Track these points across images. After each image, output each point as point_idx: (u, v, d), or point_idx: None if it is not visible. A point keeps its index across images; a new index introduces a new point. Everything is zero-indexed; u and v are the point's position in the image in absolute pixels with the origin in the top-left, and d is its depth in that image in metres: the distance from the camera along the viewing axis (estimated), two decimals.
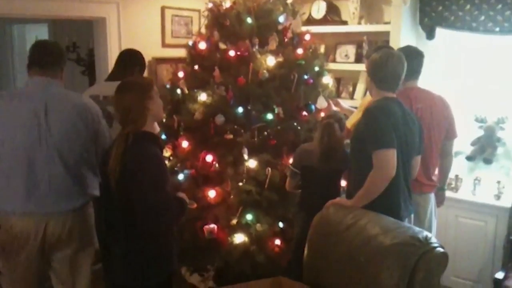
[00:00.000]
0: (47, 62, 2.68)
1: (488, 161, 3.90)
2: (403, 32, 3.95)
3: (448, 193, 3.66)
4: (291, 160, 3.33)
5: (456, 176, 3.96)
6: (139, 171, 2.27)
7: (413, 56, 3.17)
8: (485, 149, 3.92)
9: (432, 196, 3.32)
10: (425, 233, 2.35)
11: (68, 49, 5.29)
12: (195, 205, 3.31)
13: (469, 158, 3.97)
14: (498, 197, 3.78)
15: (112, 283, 2.53)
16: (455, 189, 3.96)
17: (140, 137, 2.34)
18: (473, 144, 3.99)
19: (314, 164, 3.04)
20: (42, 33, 5.96)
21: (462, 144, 3.87)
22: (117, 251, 2.44)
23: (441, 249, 2.28)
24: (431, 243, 2.28)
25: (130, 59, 3.62)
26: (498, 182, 3.80)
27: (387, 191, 2.60)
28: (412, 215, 2.93)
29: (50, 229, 2.63)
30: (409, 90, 3.17)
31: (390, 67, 2.71)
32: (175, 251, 2.56)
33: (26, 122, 2.56)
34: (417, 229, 2.42)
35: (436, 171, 3.34)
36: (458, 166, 3.92)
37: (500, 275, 3.28)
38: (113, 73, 3.61)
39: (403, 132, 2.69)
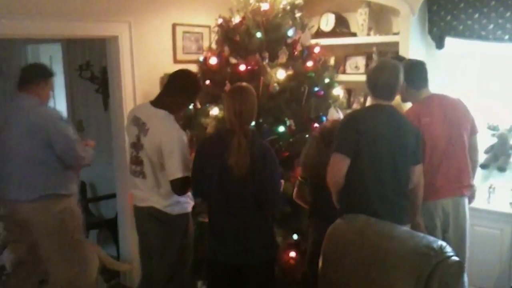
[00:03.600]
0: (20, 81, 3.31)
1: (502, 169, 3.88)
2: (412, 42, 3.96)
3: None
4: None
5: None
6: (266, 160, 2.69)
7: (416, 67, 3.28)
8: (498, 157, 3.90)
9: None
10: (440, 242, 2.35)
11: (81, 67, 5.38)
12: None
13: (483, 166, 3.95)
14: None
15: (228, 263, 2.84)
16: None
17: (254, 133, 2.81)
18: (486, 152, 3.97)
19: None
20: (55, 52, 6.05)
21: None
22: (245, 231, 2.77)
23: (455, 258, 2.27)
24: (445, 252, 2.28)
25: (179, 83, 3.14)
26: None
27: (354, 198, 2.76)
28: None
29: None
30: (430, 99, 3.24)
31: (383, 77, 2.81)
32: None
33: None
34: (431, 238, 2.42)
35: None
36: None
37: None
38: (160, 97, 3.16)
39: (383, 137, 2.74)
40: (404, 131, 2.82)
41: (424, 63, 3.34)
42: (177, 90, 3.03)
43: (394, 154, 2.77)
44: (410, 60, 3.45)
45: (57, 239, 3.24)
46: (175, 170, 2.89)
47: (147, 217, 3.08)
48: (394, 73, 2.82)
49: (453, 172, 3.22)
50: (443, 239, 2.99)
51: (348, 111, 3.92)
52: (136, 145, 3.02)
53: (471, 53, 4.10)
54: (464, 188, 3.28)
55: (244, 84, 2.88)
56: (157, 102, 3.03)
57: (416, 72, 3.25)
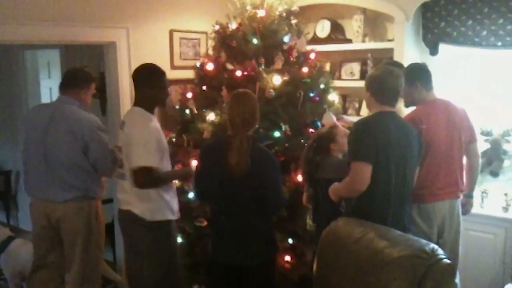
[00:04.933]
0: (64, 84, 3.45)
1: (495, 174, 3.92)
2: (406, 49, 4.01)
3: None
4: (299, 177, 3.39)
5: None
6: (268, 163, 2.79)
7: (427, 69, 3.34)
8: (491, 162, 3.94)
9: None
10: (432, 245, 2.38)
11: None
12: (205, 223, 3.37)
13: None
14: (506, 209, 3.79)
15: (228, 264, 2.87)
16: None
17: (254, 138, 2.85)
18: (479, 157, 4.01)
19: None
20: (53, 58, 6.08)
21: None
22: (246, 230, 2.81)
23: (447, 261, 2.30)
24: (438, 255, 2.31)
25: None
26: (506, 194, 3.81)
27: (372, 204, 2.74)
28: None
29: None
30: (435, 103, 3.29)
31: (391, 83, 2.83)
32: None
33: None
34: (424, 241, 2.45)
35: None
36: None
37: (510, 287, 3.29)
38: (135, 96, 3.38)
39: (396, 145, 2.77)
40: (410, 136, 2.87)
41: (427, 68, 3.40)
42: (141, 85, 3.12)
43: (405, 160, 2.81)
44: (417, 63, 3.50)
45: (83, 240, 3.35)
46: (137, 158, 2.88)
47: (128, 221, 3.11)
48: (399, 80, 2.86)
49: (452, 176, 3.27)
50: (437, 243, 3.03)
51: (345, 116, 3.96)
52: (120, 148, 3.11)
53: (467, 56, 4.13)
54: (459, 191, 3.34)
55: (247, 90, 2.96)
56: (134, 102, 3.15)
57: (428, 74, 3.32)
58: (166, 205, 3.07)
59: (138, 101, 3.10)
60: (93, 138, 3.28)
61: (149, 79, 3.10)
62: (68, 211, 3.30)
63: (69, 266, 3.41)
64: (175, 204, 3.17)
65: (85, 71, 3.57)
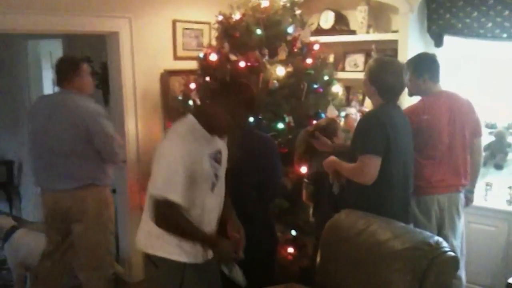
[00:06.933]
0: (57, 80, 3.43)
1: (499, 167, 3.91)
2: (411, 40, 3.99)
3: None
4: (302, 168, 3.38)
5: None
6: (267, 149, 2.86)
7: (436, 60, 3.30)
8: (495, 155, 3.93)
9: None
10: (436, 237, 2.38)
11: None
12: None
13: None
14: (509, 202, 3.77)
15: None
16: None
17: (250, 127, 2.88)
18: (484, 150, 3.98)
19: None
20: (56, 48, 6.06)
21: None
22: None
23: (451, 253, 2.30)
24: (441, 247, 2.31)
25: None
26: (510, 187, 3.79)
27: (382, 199, 2.75)
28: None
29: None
30: (439, 95, 3.27)
31: (391, 81, 2.79)
32: None
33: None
34: (427, 233, 2.45)
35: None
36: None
37: None
38: None
39: (402, 136, 2.78)
40: (408, 127, 2.90)
41: (436, 58, 3.36)
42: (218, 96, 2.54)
43: (409, 149, 2.85)
44: (427, 54, 3.44)
45: (92, 227, 3.39)
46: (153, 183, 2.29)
47: None
48: (401, 77, 2.83)
49: (452, 169, 3.25)
50: (439, 235, 3.03)
51: (349, 108, 3.95)
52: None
53: (468, 56, 4.12)
54: (461, 185, 3.31)
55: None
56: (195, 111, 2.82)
57: (437, 65, 3.28)
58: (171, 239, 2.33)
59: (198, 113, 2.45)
60: (95, 127, 3.29)
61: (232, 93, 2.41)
62: (76, 200, 3.33)
63: (79, 253, 3.47)
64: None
65: (67, 59, 3.55)
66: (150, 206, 2.26)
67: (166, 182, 2.21)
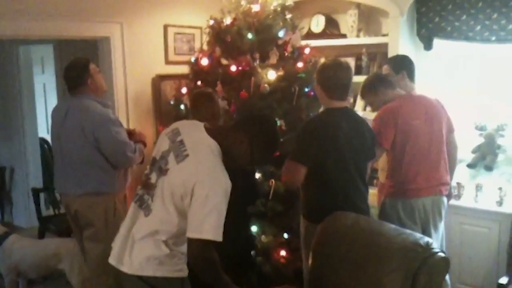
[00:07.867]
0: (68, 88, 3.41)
1: (489, 168, 3.94)
2: (401, 44, 4.02)
3: (451, 201, 3.69)
4: None
5: (458, 183, 3.99)
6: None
7: (409, 61, 3.43)
8: (485, 157, 3.96)
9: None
10: (426, 239, 2.39)
11: None
12: None
13: (470, 165, 4.01)
14: (500, 203, 3.80)
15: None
16: (458, 196, 3.99)
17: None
18: (473, 151, 4.03)
19: None
20: (47, 53, 6.06)
21: (463, 152, 3.90)
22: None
23: (442, 254, 2.31)
24: (432, 248, 2.32)
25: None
26: (500, 188, 3.82)
27: (323, 201, 2.83)
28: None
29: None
30: (411, 98, 3.32)
31: (339, 76, 2.82)
32: None
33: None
34: (418, 235, 2.46)
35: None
36: (460, 174, 3.95)
37: (504, 280, 3.31)
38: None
39: (349, 139, 2.81)
40: (362, 130, 2.91)
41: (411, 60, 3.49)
42: None
43: (356, 153, 2.86)
44: (402, 55, 3.61)
45: (97, 234, 3.37)
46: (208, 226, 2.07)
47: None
48: (349, 73, 2.87)
49: (434, 171, 3.28)
50: None
51: None
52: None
53: (461, 56, 4.16)
54: (442, 186, 3.33)
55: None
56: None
57: (413, 65, 3.40)
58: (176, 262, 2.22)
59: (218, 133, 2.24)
60: (102, 133, 3.23)
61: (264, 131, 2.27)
62: (83, 205, 3.33)
63: (85, 257, 3.48)
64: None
65: (74, 64, 3.44)
66: (173, 235, 2.10)
67: (217, 226, 2.01)
